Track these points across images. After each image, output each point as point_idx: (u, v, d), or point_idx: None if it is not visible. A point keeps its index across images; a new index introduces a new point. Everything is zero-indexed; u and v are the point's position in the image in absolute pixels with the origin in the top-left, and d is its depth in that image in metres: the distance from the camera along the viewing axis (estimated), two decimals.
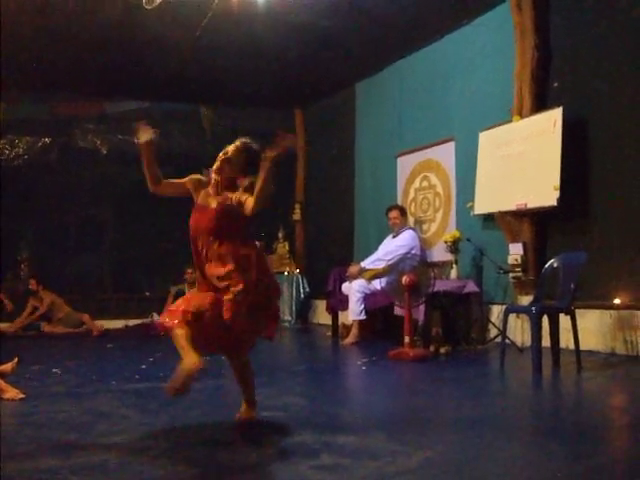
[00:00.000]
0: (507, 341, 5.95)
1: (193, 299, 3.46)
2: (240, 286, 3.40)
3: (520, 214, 7.16)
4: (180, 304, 3.41)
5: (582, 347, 5.50)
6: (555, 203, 6.56)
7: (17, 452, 3.10)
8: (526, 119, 7.12)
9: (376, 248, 8.50)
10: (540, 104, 7.07)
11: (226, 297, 3.38)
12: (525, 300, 6.90)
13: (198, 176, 3.74)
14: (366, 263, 8.20)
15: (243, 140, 3.70)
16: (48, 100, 10.77)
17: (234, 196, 3.54)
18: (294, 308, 10.91)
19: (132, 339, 8.83)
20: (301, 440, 3.27)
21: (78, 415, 3.98)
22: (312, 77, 10.18)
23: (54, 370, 5.78)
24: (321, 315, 10.65)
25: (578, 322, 5.44)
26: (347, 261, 9.03)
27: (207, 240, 3.53)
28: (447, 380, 5.37)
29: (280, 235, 11.42)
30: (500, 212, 7.33)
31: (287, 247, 11.40)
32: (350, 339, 7.90)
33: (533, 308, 5.43)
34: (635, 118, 6.20)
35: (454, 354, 6.67)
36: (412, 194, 9.22)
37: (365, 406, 4.43)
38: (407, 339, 6.37)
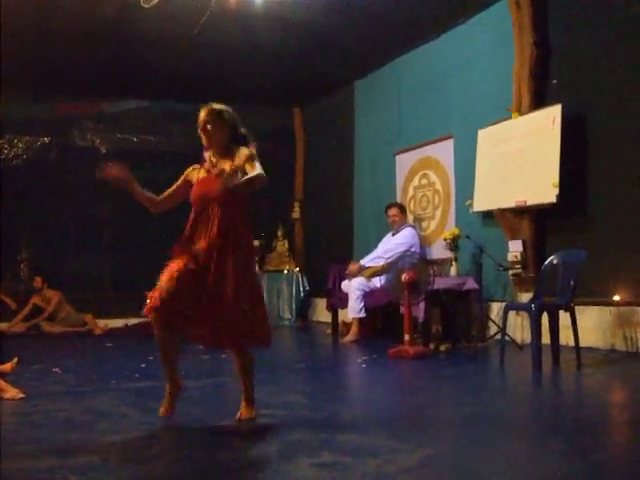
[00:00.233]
0: (507, 338, 5.96)
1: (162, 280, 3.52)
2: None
3: (519, 211, 7.16)
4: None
5: (582, 344, 5.50)
6: (554, 200, 6.56)
7: (17, 451, 3.10)
8: (525, 116, 7.11)
9: (375, 246, 8.50)
10: (539, 101, 7.07)
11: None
12: (525, 297, 6.90)
13: (190, 168, 3.78)
14: (365, 261, 8.20)
15: (207, 106, 3.73)
16: (47, 99, 10.76)
17: (232, 164, 3.59)
18: (294, 306, 10.92)
19: (132, 338, 8.82)
20: (301, 438, 3.27)
21: (78, 414, 3.98)
22: (311, 75, 10.17)
23: (54, 369, 5.77)
24: (321, 313, 10.66)
25: (578, 319, 5.44)
26: (346, 259, 9.03)
27: (214, 209, 3.57)
28: (447, 378, 5.38)
29: (279, 233, 11.43)
30: (499, 209, 7.33)
31: (286, 245, 11.41)
32: (350, 337, 7.90)
33: (533, 305, 5.43)
34: (634, 115, 6.20)
35: (454, 351, 6.68)
36: (411, 192, 9.22)
37: (365, 404, 4.43)
38: (407, 337, 6.37)
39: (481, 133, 7.66)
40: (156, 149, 11.06)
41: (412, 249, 7.95)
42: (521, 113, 7.16)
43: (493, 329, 7.22)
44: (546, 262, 5.75)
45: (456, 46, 8.32)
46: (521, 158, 7.11)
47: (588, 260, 5.56)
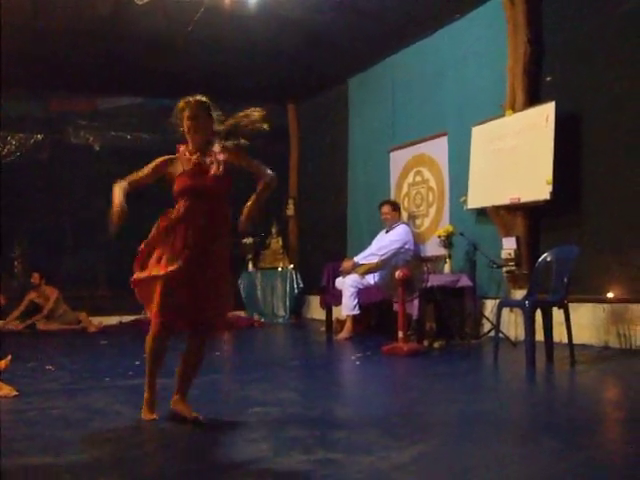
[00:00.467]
0: (501, 335, 5.96)
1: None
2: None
3: (513, 208, 7.17)
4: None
5: (575, 341, 5.51)
6: (548, 197, 6.57)
7: (11, 449, 3.09)
8: (519, 113, 7.12)
9: (369, 243, 8.51)
10: (533, 98, 7.08)
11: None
12: (518, 294, 6.91)
13: (164, 158, 3.75)
14: (359, 258, 8.21)
15: (191, 97, 3.78)
16: (40, 97, 10.74)
17: (215, 158, 3.65)
18: (288, 303, 10.91)
19: (126, 335, 8.82)
20: (295, 435, 3.28)
21: (72, 412, 3.98)
22: (305, 72, 10.16)
23: (48, 367, 5.77)
24: (315, 310, 10.65)
25: (571, 316, 5.45)
26: (340, 256, 9.04)
27: (209, 201, 3.60)
28: (441, 375, 5.38)
29: (273, 230, 11.41)
30: (493, 206, 7.34)
31: (280, 242, 11.40)
32: (344, 334, 7.90)
33: (526, 302, 5.44)
34: (627, 112, 6.22)
35: (448, 348, 6.69)
36: (405, 189, 9.22)
37: (359, 401, 4.44)
38: (401, 334, 6.37)
39: (475, 130, 7.67)
40: (150, 146, 11.04)
41: (406, 246, 7.96)
42: (515, 110, 7.17)
43: (487, 326, 7.23)
44: (540, 259, 5.77)
45: (450, 43, 8.31)
46: (515, 155, 7.12)
47: (582, 257, 5.57)
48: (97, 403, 4.22)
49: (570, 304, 5.50)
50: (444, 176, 8.46)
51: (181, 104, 3.73)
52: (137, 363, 5.86)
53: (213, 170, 3.60)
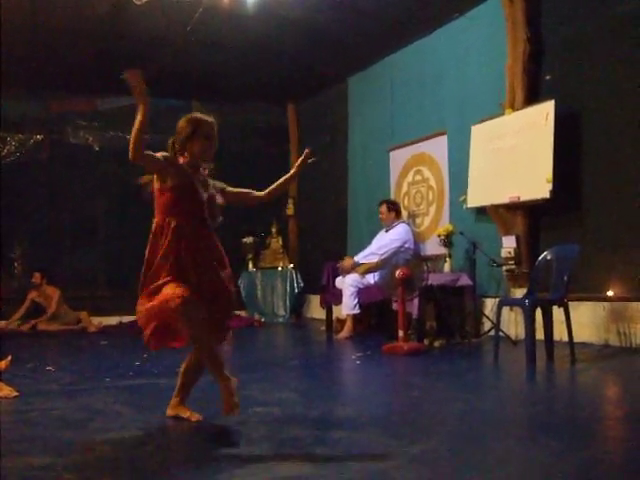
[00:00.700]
0: (501, 334, 5.96)
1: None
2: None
3: (513, 207, 7.17)
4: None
5: (576, 339, 5.51)
6: (548, 196, 6.57)
7: (11, 450, 3.09)
8: (518, 112, 7.12)
9: (369, 242, 8.51)
10: (532, 97, 7.07)
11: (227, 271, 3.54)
12: (518, 293, 6.92)
13: (166, 154, 3.56)
14: (359, 257, 8.21)
15: (208, 117, 3.63)
16: (40, 97, 10.73)
17: (213, 183, 3.66)
18: (288, 303, 10.92)
19: (126, 336, 8.82)
20: (295, 435, 3.28)
21: (72, 412, 3.97)
22: (304, 72, 10.16)
23: (48, 367, 5.77)
24: (315, 310, 10.66)
25: (571, 314, 5.45)
26: (340, 255, 9.04)
27: (206, 222, 3.53)
28: (441, 374, 5.38)
29: (273, 230, 11.42)
30: (493, 205, 7.34)
31: (280, 242, 11.41)
32: (344, 333, 7.90)
33: (526, 301, 5.44)
34: (627, 110, 6.21)
35: (448, 347, 6.69)
36: (405, 188, 9.23)
37: (359, 400, 4.44)
38: (401, 333, 6.37)
39: (475, 129, 7.67)
40: (149, 146, 11.01)
41: (406, 245, 7.96)
42: (514, 109, 7.17)
43: (487, 325, 7.24)
44: (540, 258, 5.76)
45: (449, 42, 8.31)
46: (515, 154, 7.12)
47: (582, 255, 5.57)
48: (97, 404, 4.22)
49: (570, 302, 5.50)
50: (444, 175, 8.46)
51: (199, 119, 3.59)
52: (137, 363, 5.87)
53: (219, 200, 3.61)
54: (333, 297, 8.60)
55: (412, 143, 9.01)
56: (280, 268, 11.08)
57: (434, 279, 6.96)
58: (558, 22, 6.96)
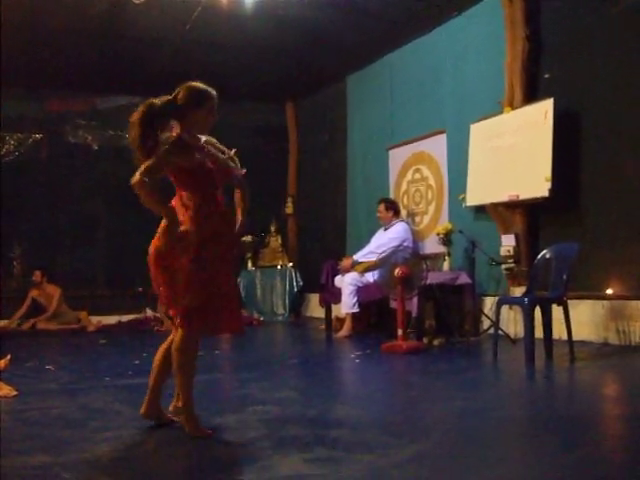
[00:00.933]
0: (500, 332, 5.97)
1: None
2: None
3: (512, 205, 7.16)
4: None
5: (575, 337, 5.51)
6: (547, 194, 6.57)
7: (10, 449, 3.09)
8: (517, 110, 7.12)
9: (368, 241, 8.50)
10: (531, 95, 7.07)
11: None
12: (518, 291, 6.91)
13: (171, 145, 3.50)
14: (358, 256, 8.20)
15: (211, 90, 3.62)
16: (39, 96, 10.73)
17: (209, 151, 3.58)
18: (287, 302, 10.91)
19: (125, 335, 8.82)
20: (294, 433, 3.28)
21: (71, 412, 3.97)
22: (303, 70, 10.16)
23: (47, 367, 5.77)
24: (314, 308, 10.66)
25: (571, 313, 5.46)
26: (340, 254, 9.04)
27: (219, 189, 3.50)
28: (440, 372, 5.38)
29: (272, 228, 11.41)
30: (492, 204, 7.34)
31: (280, 241, 11.40)
32: (343, 332, 7.90)
33: (526, 299, 5.44)
34: (626, 109, 6.21)
35: (447, 346, 6.69)
36: (404, 186, 9.22)
37: (358, 399, 4.44)
38: (400, 331, 6.37)
39: (474, 127, 7.67)
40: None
41: (405, 244, 7.95)
42: (513, 107, 7.17)
43: (486, 323, 7.23)
44: (539, 256, 5.76)
45: (448, 40, 8.31)
46: (514, 152, 7.11)
47: (581, 254, 5.57)
48: (96, 403, 4.22)
49: (569, 301, 5.50)
50: (443, 174, 8.46)
51: (209, 93, 3.56)
52: (137, 362, 5.87)
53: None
54: (332, 296, 8.59)
55: (411, 142, 9.00)
56: (279, 267, 11.08)
57: (433, 278, 6.95)
58: (557, 20, 6.96)
